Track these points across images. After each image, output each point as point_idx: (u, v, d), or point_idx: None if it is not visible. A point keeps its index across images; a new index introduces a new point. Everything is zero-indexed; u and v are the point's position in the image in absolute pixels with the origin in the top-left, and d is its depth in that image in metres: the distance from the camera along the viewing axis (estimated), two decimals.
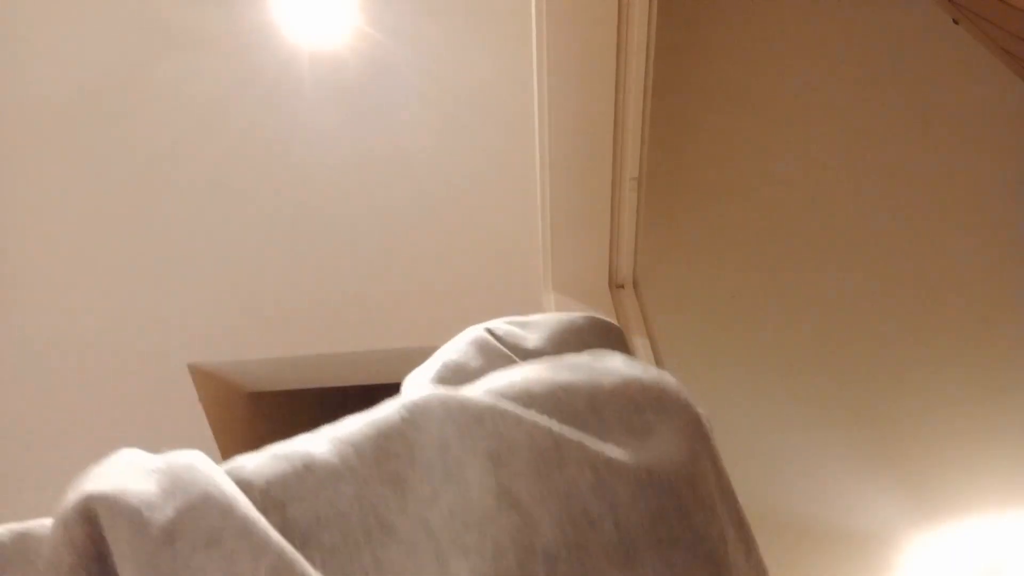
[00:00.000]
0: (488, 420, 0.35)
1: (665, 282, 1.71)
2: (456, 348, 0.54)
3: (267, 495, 0.34)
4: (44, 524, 0.34)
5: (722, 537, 0.36)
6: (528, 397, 0.37)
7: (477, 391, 0.38)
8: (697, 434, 0.41)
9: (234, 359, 2.32)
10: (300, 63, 1.70)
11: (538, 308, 1.70)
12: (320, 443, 0.37)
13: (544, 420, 0.35)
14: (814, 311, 1.67)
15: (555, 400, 0.37)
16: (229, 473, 0.35)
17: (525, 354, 0.51)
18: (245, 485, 0.35)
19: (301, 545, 0.32)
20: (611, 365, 0.43)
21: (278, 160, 1.88)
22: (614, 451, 0.36)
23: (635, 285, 1.69)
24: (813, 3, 2.21)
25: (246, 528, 0.30)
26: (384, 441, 0.36)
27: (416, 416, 0.37)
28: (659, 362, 1.53)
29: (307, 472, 0.35)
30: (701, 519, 0.35)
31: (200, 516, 0.31)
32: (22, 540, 0.33)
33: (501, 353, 0.52)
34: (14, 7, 1.59)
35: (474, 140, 1.85)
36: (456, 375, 0.50)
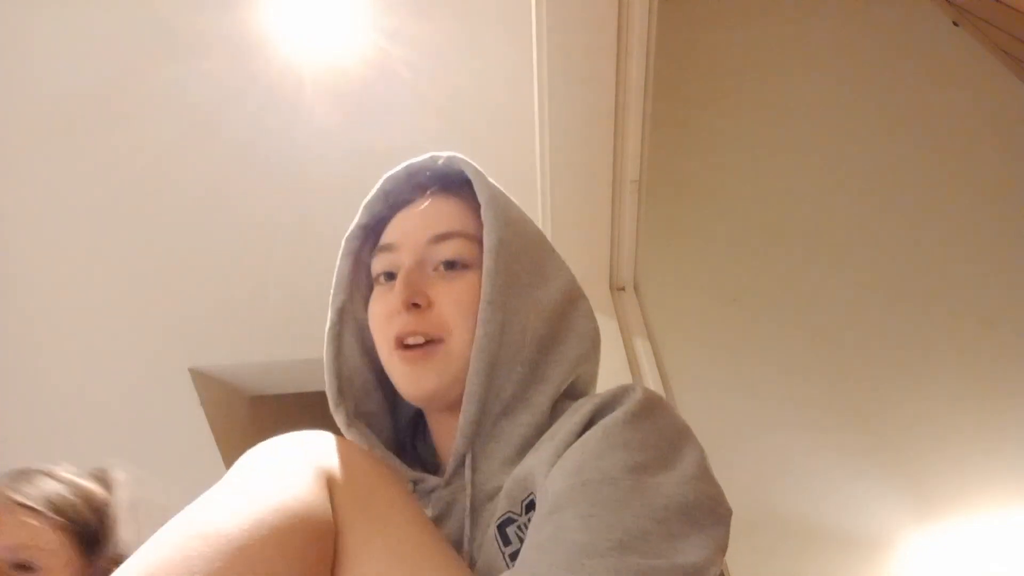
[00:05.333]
0: None
1: (665, 284, 1.71)
2: None
3: None
4: None
5: None
6: None
7: None
8: None
9: (235, 363, 2.32)
10: (300, 67, 1.70)
11: None
12: None
13: None
14: (814, 312, 1.67)
15: None
16: None
17: None
18: None
19: None
20: None
21: (279, 163, 1.88)
22: None
23: (636, 287, 1.69)
24: (814, 6, 2.21)
25: None
26: None
27: None
28: (659, 363, 1.53)
29: None
30: None
31: None
32: None
33: None
34: (15, 10, 1.59)
35: (474, 143, 1.85)
36: None
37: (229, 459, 0.53)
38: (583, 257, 1.63)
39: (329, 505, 0.49)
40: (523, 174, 1.67)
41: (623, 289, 1.67)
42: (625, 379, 1.48)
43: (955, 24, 2.14)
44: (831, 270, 1.74)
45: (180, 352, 2.25)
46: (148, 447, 2.31)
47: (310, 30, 1.64)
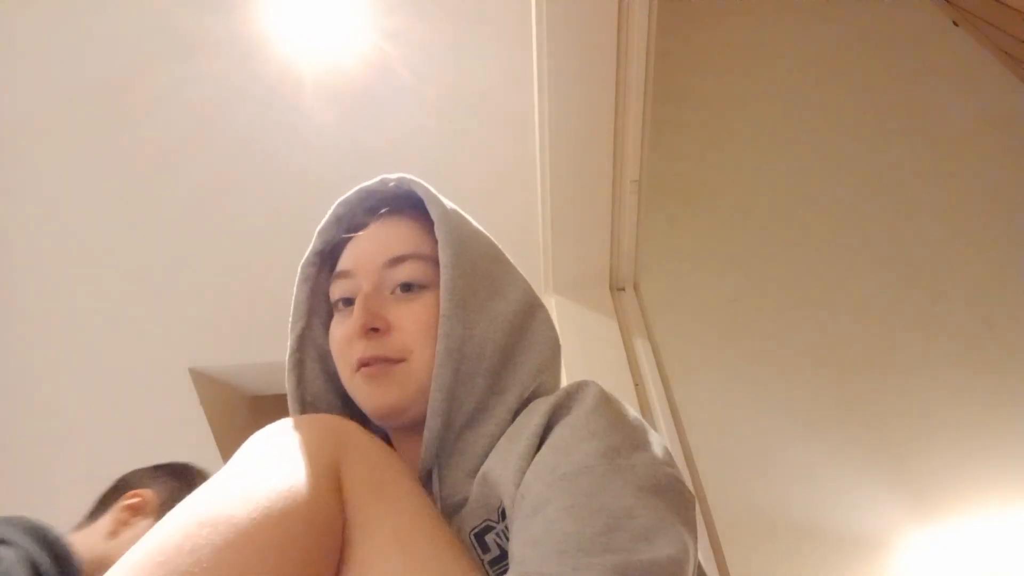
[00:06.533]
0: None
1: (665, 284, 1.71)
2: None
3: None
4: None
5: None
6: None
7: None
8: None
9: (235, 363, 2.32)
10: (300, 68, 1.70)
11: None
12: None
13: None
14: (813, 313, 1.68)
15: None
16: None
17: None
18: None
19: None
20: None
21: (279, 164, 1.88)
22: None
23: (636, 287, 1.69)
24: (814, 6, 2.21)
25: None
26: None
27: None
28: (659, 363, 1.53)
29: None
30: None
31: None
32: None
33: None
34: (17, 10, 1.59)
35: (475, 144, 1.85)
36: None
37: (229, 458, 0.54)
38: (583, 257, 1.63)
39: (337, 492, 0.49)
40: (523, 174, 1.67)
41: (623, 289, 1.68)
42: (625, 379, 1.48)
43: (955, 24, 2.14)
44: (830, 270, 1.74)
45: (180, 352, 2.25)
46: (148, 447, 2.31)
47: (310, 30, 1.64)
